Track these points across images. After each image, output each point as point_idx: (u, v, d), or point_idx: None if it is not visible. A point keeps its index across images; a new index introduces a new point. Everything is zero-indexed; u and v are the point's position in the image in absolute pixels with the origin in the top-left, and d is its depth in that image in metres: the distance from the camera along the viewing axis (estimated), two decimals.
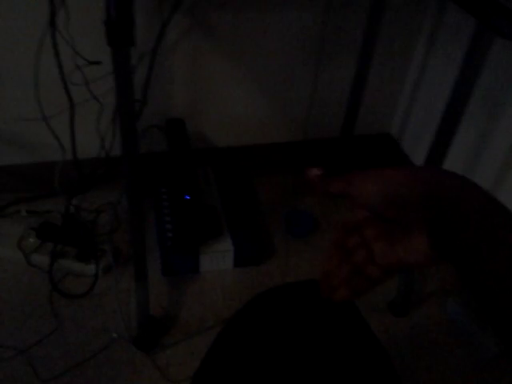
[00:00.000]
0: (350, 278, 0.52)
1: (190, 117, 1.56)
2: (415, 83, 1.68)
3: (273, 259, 1.45)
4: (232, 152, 1.68)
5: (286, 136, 1.70)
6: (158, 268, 1.37)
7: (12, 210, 1.44)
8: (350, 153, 1.70)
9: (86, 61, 1.29)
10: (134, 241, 1.09)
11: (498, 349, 1.26)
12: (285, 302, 0.64)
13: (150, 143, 1.60)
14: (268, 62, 1.51)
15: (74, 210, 1.38)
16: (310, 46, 1.51)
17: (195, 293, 1.33)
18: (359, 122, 1.68)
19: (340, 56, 1.56)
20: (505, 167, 1.33)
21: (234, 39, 1.44)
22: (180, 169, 1.41)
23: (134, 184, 1.01)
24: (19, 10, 1.25)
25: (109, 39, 0.80)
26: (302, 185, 1.71)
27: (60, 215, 1.33)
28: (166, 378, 1.14)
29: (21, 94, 1.36)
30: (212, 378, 0.60)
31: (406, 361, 1.25)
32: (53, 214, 1.35)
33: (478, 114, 1.40)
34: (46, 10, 1.12)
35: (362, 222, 0.51)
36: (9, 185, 1.51)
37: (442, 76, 1.55)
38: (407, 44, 1.61)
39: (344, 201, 1.74)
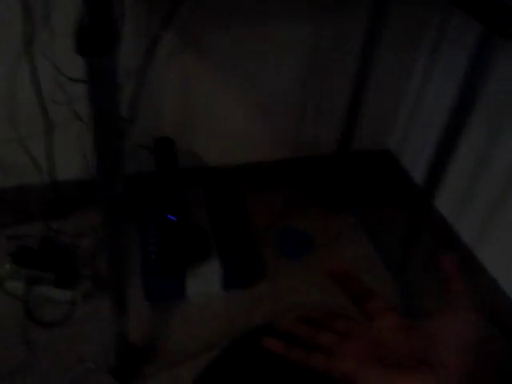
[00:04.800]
0: None
1: (180, 136, 1.50)
2: (416, 97, 1.61)
3: (264, 281, 1.37)
4: (223, 171, 1.62)
5: (279, 153, 1.64)
6: (141, 293, 1.29)
7: None
8: (348, 169, 1.63)
9: (67, 78, 1.25)
10: (109, 266, 1.02)
11: None
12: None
13: (138, 163, 1.55)
14: (259, 79, 1.46)
15: (53, 235, 1.32)
16: (304, 60, 1.46)
17: (180, 319, 1.26)
18: (358, 137, 1.62)
19: (337, 69, 1.51)
20: (508, 183, 1.25)
21: (225, 57, 1.39)
22: (167, 189, 1.35)
23: (111, 207, 0.95)
24: None
25: (78, 46, 0.72)
26: (296, 203, 1.64)
27: (38, 240, 1.27)
28: None
29: None
30: None
31: None
32: (31, 239, 1.29)
33: (480, 127, 1.33)
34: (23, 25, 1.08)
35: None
36: None
37: (443, 90, 1.48)
38: (408, 57, 1.56)
39: (341, 215, 1.62)
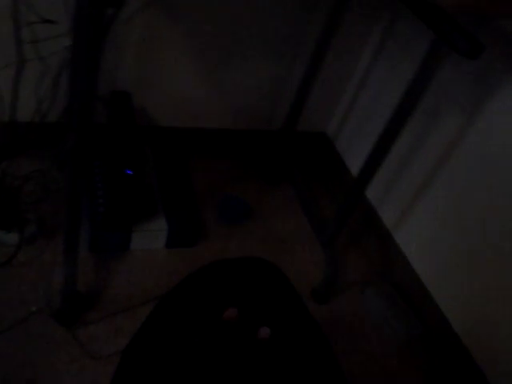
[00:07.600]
0: None
1: (135, 91, 1.50)
2: (357, 88, 1.73)
3: (204, 243, 1.44)
4: (173, 132, 1.64)
5: (229, 123, 1.69)
6: (84, 243, 1.31)
7: None
8: (289, 147, 1.73)
9: (41, 18, 1.20)
10: (69, 212, 1.04)
11: (408, 336, 1.38)
12: (221, 279, 0.62)
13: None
14: (222, 47, 1.50)
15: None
16: (268, 39, 1.52)
17: (124, 270, 1.30)
18: (300, 118, 1.71)
19: (290, 51, 1.58)
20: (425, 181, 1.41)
21: (192, 19, 1.41)
22: (122, 143, 1.36)
23: (80, 153, 0.96)
24: None
25: None
26: (237, 171, 1.71)
27: None
28: (87, 354, 1.10)
29: None
30: (142, 354, 0.58)
31: None
32: None
33: (416, 125, 1.47)
34: None
35: None
36: None
37: (384, 84, 1.60)
38: (355, 48, 1.66)
39: (278, 189, 1.72)
